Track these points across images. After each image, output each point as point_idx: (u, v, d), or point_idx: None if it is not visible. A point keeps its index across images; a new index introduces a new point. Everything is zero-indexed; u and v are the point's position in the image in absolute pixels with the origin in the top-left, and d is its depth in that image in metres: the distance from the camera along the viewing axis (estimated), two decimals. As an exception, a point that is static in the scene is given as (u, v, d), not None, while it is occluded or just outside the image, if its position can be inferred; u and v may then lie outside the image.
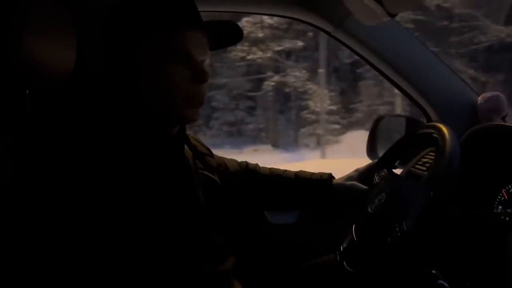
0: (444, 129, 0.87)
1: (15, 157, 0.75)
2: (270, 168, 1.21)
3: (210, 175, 1.00)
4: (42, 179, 0.72)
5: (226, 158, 1.18)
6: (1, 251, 0.70)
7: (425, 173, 0.99)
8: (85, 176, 0.69)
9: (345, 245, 0.97)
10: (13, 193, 0.71)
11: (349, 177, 1.14)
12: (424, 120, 1.46)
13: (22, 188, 0.72)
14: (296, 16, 1.37)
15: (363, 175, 1.13)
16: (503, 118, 1.32)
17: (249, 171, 1.18)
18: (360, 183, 1.11)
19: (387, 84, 1.54)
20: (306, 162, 9.47)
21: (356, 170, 1.16)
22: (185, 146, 0.92)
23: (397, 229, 0.80)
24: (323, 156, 10.77)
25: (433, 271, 0.72)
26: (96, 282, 0.67)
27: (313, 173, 1.17)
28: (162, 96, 0.78)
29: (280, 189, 1.15)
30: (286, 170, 1.20)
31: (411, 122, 1.36)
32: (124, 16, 0.79)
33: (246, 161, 1.21)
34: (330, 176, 1.16)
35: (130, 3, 0.80)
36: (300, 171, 1.19)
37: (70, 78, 0.79)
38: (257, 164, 1.22)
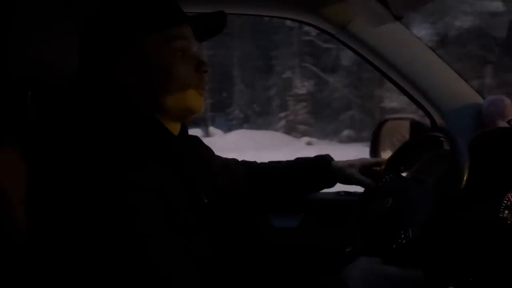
0: (452, 133, 0.86)
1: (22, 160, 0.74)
2: (268, 162, 1.23)
3: (213, 177, 0.99)
4: (44, 182, 0.71)
5: (227, 158, 1.18)
6: (3, 255, 0.69)
7: (431, 178, 0.98)
8: (86, 178, 0.68)
9: (350, 249, 0.97)
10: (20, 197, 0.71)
11: (351, 164, 1.14)
12: (428, 123, 1.45)
13: (28, 191, 0.71)
14: (300, 18, 1.37)
15: (365, 167, 1.14)
16: (509, 122, 1.32)
17: (250, 167, 1.19)
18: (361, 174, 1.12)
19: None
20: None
21: (360, 160, 1.17)
22: (187, 146, 0.91)
23: (403, 236, 0.80)
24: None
25: (444, 277, 0.71)
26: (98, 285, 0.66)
27: (311, 157, 1.20)
28: (174, 90, 0.80)
29: (283, 175, 1.17)
30: (284, 161, 1.22)
31: (415, 125, 1.35)
32: (114, 19, 0.80)
33: (244, 159, 1.23)
34: (329, 157, 1.18)
35: (117, 7, 0.81)
36: (298, 157, 1.21)
37: (73, 78, 0.78)
38: (254, 161, 1.24)
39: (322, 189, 1.21)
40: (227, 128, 15.50)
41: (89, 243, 0.66)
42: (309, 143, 13.14)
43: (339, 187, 1.34)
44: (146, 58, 0.79)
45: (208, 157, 1.04)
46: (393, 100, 11.14)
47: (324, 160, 1.16)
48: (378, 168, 1.13)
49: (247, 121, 16.49)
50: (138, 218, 0.67)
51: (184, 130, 0.90)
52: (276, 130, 14.62)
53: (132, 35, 0.78)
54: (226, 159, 1.17)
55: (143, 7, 0.80)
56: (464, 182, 0.76)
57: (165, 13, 0.81)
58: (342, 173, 1.14)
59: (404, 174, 1.08)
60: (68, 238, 0.67)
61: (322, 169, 1.15)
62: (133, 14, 0.79)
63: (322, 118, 14.75)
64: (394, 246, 0.79)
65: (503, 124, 1.31)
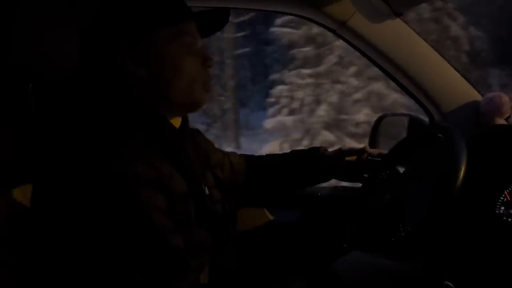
0: (451, 130, 0.87)
1: (18, 152, 0.75)
2: (266, 155, 1.25)
3: (213, 170, 1.00)
4: (46, 174, 0.72)
5: (228, 152, 1.19)
6: (7, 250, 0.70)
7: (429, 174, 0.98)
8: (89, 172, 0.69)
9: (347, 245, 0.98)
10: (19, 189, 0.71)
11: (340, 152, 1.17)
12: (426, 119, 1.46)
13: (27, 183, 0.72)
14: (301, 13, 1.37)
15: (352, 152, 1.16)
16: (507, 119, 1.33)
17: (248, 160, 1.20)
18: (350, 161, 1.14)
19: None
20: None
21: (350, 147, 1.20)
22: (188, 138, 0.92)
23: (401, 229, 0.80)
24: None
25: (438, 272, 0.72)
26: (102, 281, 0.67)
27: (306, 149, 1.22)
28: (181, 84, 0.81)
29: (278, 167, 1.19)
30: (280, 153, 1.24)
31: (414, 122, 1.36)
32: (124, 13, 0.80)
33: (243, 153, 1.24)
34: (322, 148, 1.20)
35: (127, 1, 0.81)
36: (294, 149, 1.23)
37: (74, 72, 0.79)
38: (252, 154, 1.25)
39: (318, 181, 1.22)
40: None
41: (91, 235, 0.66)
42: None
43: (336, 182, 1.36)
44: (155, 52, 0.79)
45: (208, 150, 1.04)
46: None
47: (317, 151, 1.18)
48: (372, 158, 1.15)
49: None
50: (140, 210, 0.67)
51: (185, 123, 0.90)
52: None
53: (142, 30, 0.79)
54: (226, 152, 1.18)
55: (153, 2, 0.81)
56: (461, 179, 0.77)
57: (175, 9, 0.82)
58: (332, 153, 1.16)
59: (401, 170, 1.09)
60: (70, 230, 0.68)
61: (315, 160, 1.16)
62: (143, 8, 0.80)
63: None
64: (392, 239, 0.79)
65: (501, 121, 1.32)
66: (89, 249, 0.66)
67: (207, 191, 0.88)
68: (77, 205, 0.67)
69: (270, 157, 1.23)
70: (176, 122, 0.86)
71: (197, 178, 0.85)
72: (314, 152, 1.17)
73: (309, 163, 1.17)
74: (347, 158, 1.14)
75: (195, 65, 0.82)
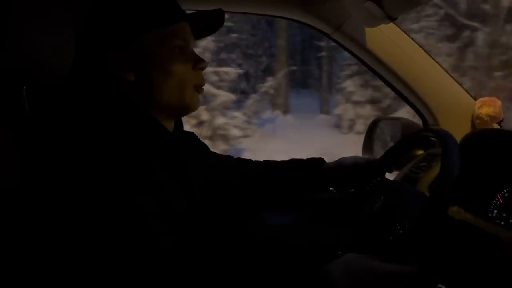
0: (444, 133, 0.87)
1: (17, 155, 0.74)
2: (263, 161, 1.24)
3: (207, 172, 1.00)
4: (41, 177, 0.71)
5: (222, 154, 1.19)
6: (2, 250, 0.69)
7: (422, 177, 0.99)
8: (83, 174, 0.68)
9: (341, 253, 0.98)
10: (15, 192, 0.71)
11: (341, 164, 1.16)
12: (420, 123, 1.47)
13: (23, 186, 0.71)
14: (295, 17, 1.37)
15: (358, 166, 1.15)
16: (499, 123, 1.33)
17: (245, 165, 1.20)
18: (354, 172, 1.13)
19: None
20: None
21: (354, 157, 1.19)
22: (182, 142, 0.92)
23: (399, 227, 0.81)
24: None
25: (432, 274, 0.72)
26: (96, 283, 0.66)
27: (305, 159, 1.21)
28: (171, 88, 0.80)
29: (275, 175, 1.18)
30: (278, 160, 1.23)
31: (407, 125, 1.36)
32: (113, 16, 0.80)
33: (239, 157, 1.24)
34: (321, 158, 1.19)
35: (117, 3, 0.81)
36: (292, 158, 1.22)
37: (68, 74, 0.78)
38: (250, 159, 1.25)
39: (315, 191, 1.21)
40: None
41: (82, 238, 0.66)
42: None
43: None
44: (144, 55, 0.79)
45: (203, 154, 1.04)
46: None
47: (316, 162, 1.17)
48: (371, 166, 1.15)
49: None
50: (132, 213, 0.67)
51: (179, 126, 0.90)
52: None
53: (131, 32, 0.78)
54: (221, 155, 1.18)
55: (142, 4, 0.80)
56: (454, 183, 0.77)
57: (164, 11, 0.81)
58: (332, 165, 1.15)
59: (395, 173, 1.09)
60: (62, 232, 0.67)
61: (313, 170, 1.16)
62: (132, 11, 0.80)
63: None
64: (391, 238, 0.79)
65: (494, 125, 1.33)
66: (83, 250, 0.66)
67: (199, 194, 0.88)
68: (70, 206, 0.67)
69: (268, 163, 1.22)
70: (170, 126, 0.86)
71: (189, 180, 0.84)
72: (313, 163, 1.17)
73: (307, 173, 1.16)
74: (345, 167, 1.14)
75: (185, 68, 0.81)
